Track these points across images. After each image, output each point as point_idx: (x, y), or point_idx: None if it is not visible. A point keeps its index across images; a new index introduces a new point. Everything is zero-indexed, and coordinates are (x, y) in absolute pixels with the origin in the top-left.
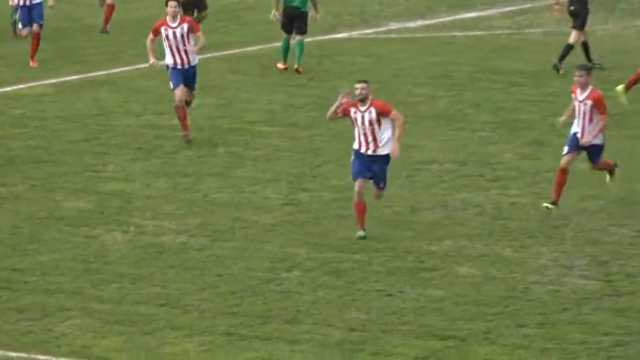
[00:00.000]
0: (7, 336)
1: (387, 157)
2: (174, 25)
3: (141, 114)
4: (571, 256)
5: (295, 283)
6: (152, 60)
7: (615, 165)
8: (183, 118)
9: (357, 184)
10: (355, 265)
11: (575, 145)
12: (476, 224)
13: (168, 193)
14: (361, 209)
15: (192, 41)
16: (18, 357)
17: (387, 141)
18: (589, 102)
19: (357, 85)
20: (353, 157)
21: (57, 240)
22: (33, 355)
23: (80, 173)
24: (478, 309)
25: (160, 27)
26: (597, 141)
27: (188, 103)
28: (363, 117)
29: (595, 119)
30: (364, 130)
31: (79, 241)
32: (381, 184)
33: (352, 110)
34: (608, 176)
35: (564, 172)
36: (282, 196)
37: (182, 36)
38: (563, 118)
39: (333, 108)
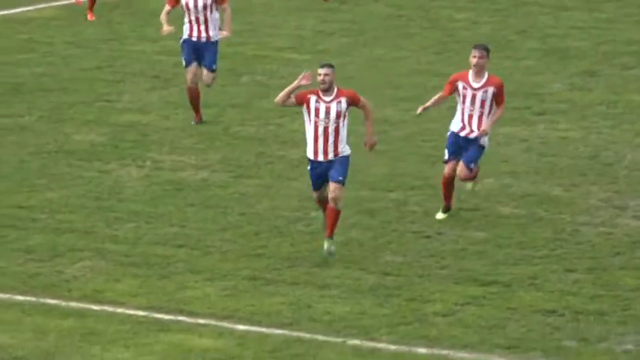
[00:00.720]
0: (14, 278)
1: (347, 157)
2: None
3: (157, 39)
4: (624, 196)
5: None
6: (167, 27)
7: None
8: (196, 106)
9: (315, 194)
10: (390, 204)
11: None
12: (521, 161)
13: (187, 126)
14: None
15: (215, 13)
16: (26, 301)
17: (345, 141)
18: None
19: (321, 71)
20: (308, 167)
21: (67, 175)
22: (42, 299)
23: (92, 103)
24: (523, 252)
25: None
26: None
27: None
28: (328, 108)
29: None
30: (325, 124)
31: (91, 177)
32: (340, 178)
33: (313, 99)
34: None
35: None
36: None
37: (204, 6)
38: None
39: (285, 90)
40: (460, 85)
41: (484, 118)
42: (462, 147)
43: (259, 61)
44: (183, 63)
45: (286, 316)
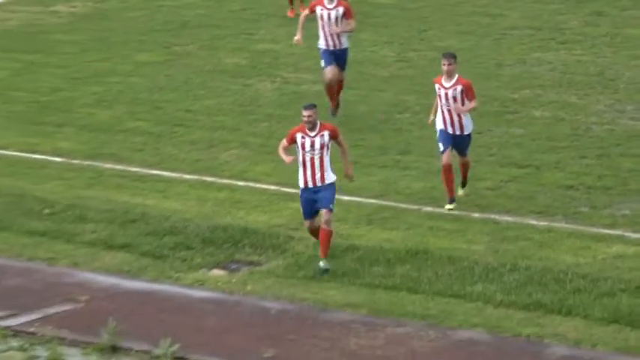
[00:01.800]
0: (183, 162)
1: (333, 184)
2: (330, 6)
3: None
4: (623, 103)
5: (406, 122)
6: (299, 35)
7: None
8: (332, 96)
9: (307, 224)
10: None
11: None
12: (548, 77)
13: (306, 52)
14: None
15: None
16: (191, 178)
17: (330, 168)
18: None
19: (305, 112)
20: (300, 195)
21: (220, 88)
22: (202, 177)
23: (238, 35)
24: (550, 144)
25: (315, 6)
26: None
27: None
28: (313, 142)
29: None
30: (312, 155)
31: (236, 89)
32: (330, 206)
33: (299, 136)
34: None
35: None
36: (395, 54)
37: (336, 19)
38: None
39: (281, 154)
40: (436, 86)
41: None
42: (452, 140)
43: (357, 6)
44: (322, 64)
45: (378, 190)
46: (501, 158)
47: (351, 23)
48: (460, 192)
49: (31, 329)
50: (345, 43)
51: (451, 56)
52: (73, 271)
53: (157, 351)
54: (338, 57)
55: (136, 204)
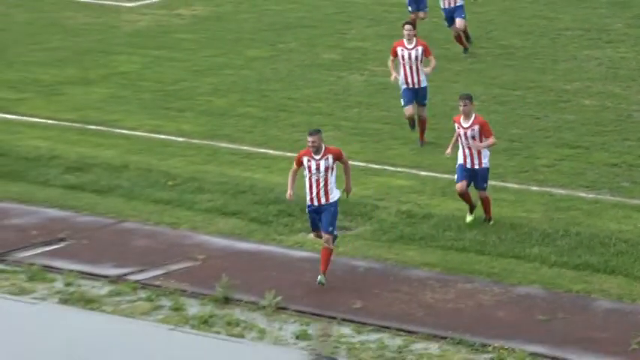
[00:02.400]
0: (285, 142)
1: (335, 203)
2: (410, 46)
3: None
4: None
5: (475, 109)
6: (394, 75)
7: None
8: (412, 125)
9: (313, 234)
10: (515, 98)
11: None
12: (596, 71)
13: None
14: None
15: (422, 64)
16: (292, 156)
17: (334, 188)
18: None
19: (310, 138)
20: (307, 210)
21: (317, 79)
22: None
23: (332, 34)
24: (597, 128)
25: (396, 47)
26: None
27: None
28: (318, 165)
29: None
30: (317, 177)
31: (331, 80)
32: (330, 228)
33: (305, 159)
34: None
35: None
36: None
37: (416, 57)
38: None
39: (289, 183)
40: (455, 125)
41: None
42: (470, 173)
43: None
44: (402, 103)
45: (451, 166)
46: (556, 140)
47: (432, 60)
48: (468, 219)
49: (157, 283)
50: (425, 81)
51: (467, 97)
52: (192, 234)
53: (263, 302)
54: (418, 94)
55: (246, 177)
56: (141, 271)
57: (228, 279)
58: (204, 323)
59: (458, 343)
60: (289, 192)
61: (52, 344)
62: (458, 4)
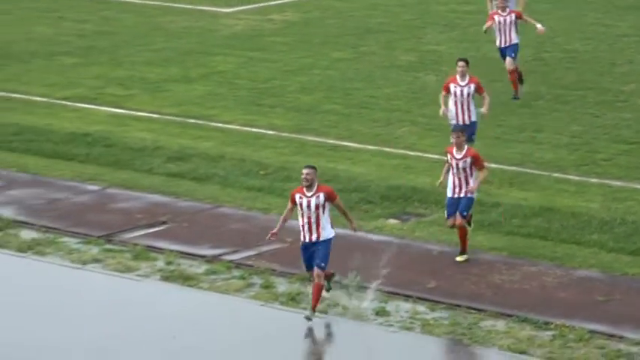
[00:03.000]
0: (366, 136)
1: (328, 241)
2: (462, 83)
3: (447, 3)
4: None
5: (540, 108)
6: (444, 108)
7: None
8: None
9: (309, 273)
10: (576, 97)
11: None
12: None
13: (462, 53)
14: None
15: (473, 101)
16: (373, 149)
17: (327, 226)
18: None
19: (304, 171)
20: (300, 247)
21: (396, 79)
22: (382, 148)
23: (409, 39)
24: None
25: (449, 84)
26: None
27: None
28: (309, 202)
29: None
30: (309, 214)
31: (409, 80)
32: (322, 264)
33: (297, 196)
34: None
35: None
36: (532, 55)
37: (468, 94)
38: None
39: (280, 222)
40: (448, 156)
41: (469, 180)
42: (457, 205)
43: None
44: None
45: (517, 159)
46: (614, 136)
47: (486, 97)
48: (458, 258)
49: (249, 262)
50: (474, 116)
51: (460, 130)
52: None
53: (345, 281)
54: (466, 130)
55: (330, 168)
56: (235, 251)
57: None
58: (292, 300)
59: (523, 321)
60: (275, 230)
61: (154, 318)
62: (513, 42)
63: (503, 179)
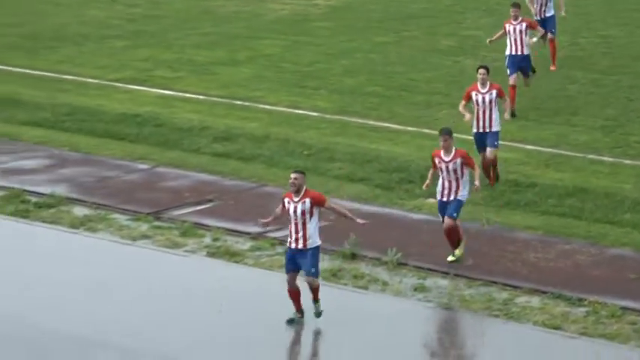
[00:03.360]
0: (407, 118)
1: (315, 249)
2: (483, 90)
3: None
4: None
5: (575, 91)
6: (468, 115)
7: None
8: (488, 175)
9: (287, 277)
10: (611, 82)
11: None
12: None
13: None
14: (294, 295)
15: (496, 109)
16: (413, 130)
17: (314, 234)
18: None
19: (292, 175)
20: (286, 252)
21: (436, 63)
22: (422, 129)
23: (449, 24)
24: None
25: (470, 92)
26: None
27: (493, 165)
28: (295, 207)
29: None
30: (295, 220)
31: (448, 64)
32: (312, 270)
33: (286, 201)
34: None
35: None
36: (568, 40)
37: (490, 101)
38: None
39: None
40: (436, 159)
41: (459, 182)
42: (446, 206)
43: None
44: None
45: (553, 141)
46: None
47: (508, 101)
48: (450, 258)
49: None
50: (496, 125)
51: (447, 133)
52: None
53: (385, 258)
54: (487, 138)
55: (372, 149)
56: (279, 229)
57: (355, 237)
58: (334, 276)
59: (557, 298)
60: (266, 220)
61: (200, 293)
62: (525, 53)
63: (540, 160)
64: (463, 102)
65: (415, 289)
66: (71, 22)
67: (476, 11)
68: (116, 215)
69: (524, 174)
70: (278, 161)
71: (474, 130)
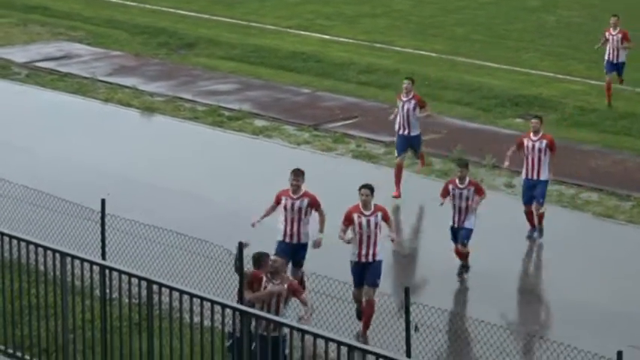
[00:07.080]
0: (501, 58)
1: (305, 245)
2: (535, 138)
3: None
4: None
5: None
6: (507, 164)
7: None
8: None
9: (278, 261)
10: None
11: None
12: None
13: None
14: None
15: (546, 159)
16: (506, 68)
17: (307, 232)
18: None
19: (292, 176)
20: (279, 243)
21: (525, 18)
22: (512, 67)
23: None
24: None
25: (523, 138)
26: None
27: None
28: (293, 204)
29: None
30: (292, 216)
31: (534, 19)
32: (302, 261)
33: (284, 198)
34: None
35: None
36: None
37: (540, 149)
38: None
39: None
40: (450, 187)
41: (469, 209)
42: (456, 233)
43: None
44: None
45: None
46: None
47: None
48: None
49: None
50: (545, 174)
51: (464, 165)
52: (439, 115)
53: (484, 162)
54: (537, 187)
55: (476, 81)
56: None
57: (460, 146)
58: (445, 174)
59: (611, 194)
60: (257, 219)
61: (345, 187)
62: (620, 60)
63: (601, 92)
64: (513, 147)
65: (505, 185)
66: None
67: None
68: (286, 126)
69: (589, 102)
70: None
71: (524, 178)
